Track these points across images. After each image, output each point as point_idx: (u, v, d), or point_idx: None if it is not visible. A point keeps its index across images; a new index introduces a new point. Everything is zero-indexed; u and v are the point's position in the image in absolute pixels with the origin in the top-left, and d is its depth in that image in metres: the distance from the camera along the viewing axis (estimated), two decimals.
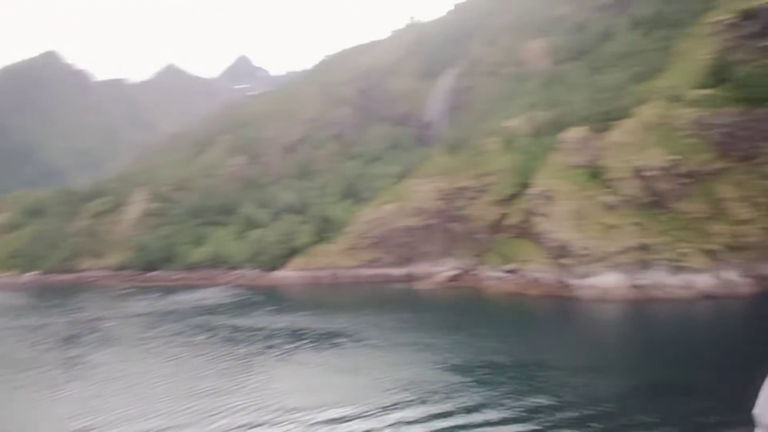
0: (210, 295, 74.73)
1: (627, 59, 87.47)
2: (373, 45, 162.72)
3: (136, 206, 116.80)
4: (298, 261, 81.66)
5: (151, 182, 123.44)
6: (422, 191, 79.95)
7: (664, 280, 52.68)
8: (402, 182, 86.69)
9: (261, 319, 57.92)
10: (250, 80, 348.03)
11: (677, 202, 58.46)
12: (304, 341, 47.28)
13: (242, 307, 66.46)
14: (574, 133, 71.44)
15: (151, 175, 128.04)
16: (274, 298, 72.73)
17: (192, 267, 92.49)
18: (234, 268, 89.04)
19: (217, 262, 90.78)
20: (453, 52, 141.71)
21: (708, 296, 50.69)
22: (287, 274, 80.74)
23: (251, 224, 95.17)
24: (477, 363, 37.10)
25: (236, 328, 54.15)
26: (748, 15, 72.12)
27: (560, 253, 59.84)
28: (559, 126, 78.49)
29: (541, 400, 29.39)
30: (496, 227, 71.41)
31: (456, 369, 35.93)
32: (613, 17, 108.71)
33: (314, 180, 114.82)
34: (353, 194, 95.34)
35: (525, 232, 67.19)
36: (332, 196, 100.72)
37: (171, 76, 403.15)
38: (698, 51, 73.96)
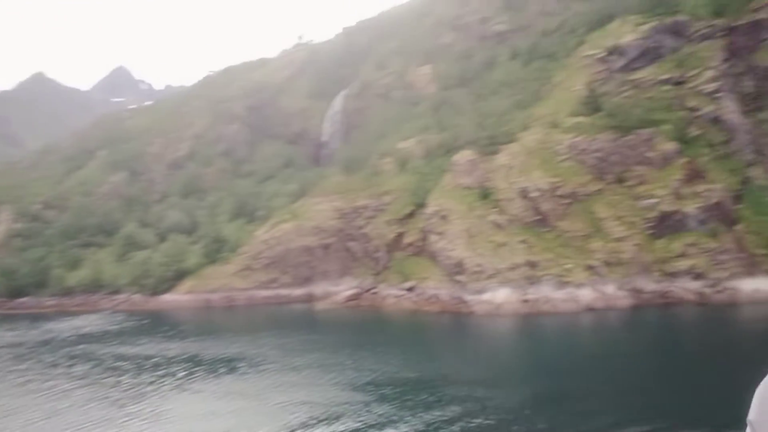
0: (89, 323, 69.20)
1: (508, 87, 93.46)
2: (262, 63, 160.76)
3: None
4: (188, 283, 77.94)
5: (17, 200, 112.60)
6: (320, 210, 79.80)
7: (550, 295, 56.33)
8: (299, 201, 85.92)
9: (150, 347, 54.53)
10: (130, 93, 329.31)
11: (560, 221, 62.96)
12: (200, 368, 45.17)
13: (127, 334, 62.16)
14: (463, 156, 74.90)
15: (16, 192, 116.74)
16: (163, 324, 68.77)
17: (68, 292, 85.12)
18: (116, 292, 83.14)
19: (96, 287, 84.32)
20: (344, 73, 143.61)
21: (590, 309, 54.91)
22: (176, 298, 76.72)
23: (134, 245, 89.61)
24: (382, 380, 37.40)
25: (122, 357, 50.55)
26: (615, 51, 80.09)
27: (455, 270, 62.18)
28: (449, 149, 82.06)
29: (448, 414, 30.18)
30: (395, 246, 72.84)
31: (361, 388, 36.01)
32: (494, 47, 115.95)
33: (203, 198, 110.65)
34: (247, 213, 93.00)
35: (422, 250, 69.17)
36: (224, 215, 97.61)
37: (38, 85, 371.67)
38: (573, 82, 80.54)
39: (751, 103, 69.62)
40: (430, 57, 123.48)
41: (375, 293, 69.59)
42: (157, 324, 68.74)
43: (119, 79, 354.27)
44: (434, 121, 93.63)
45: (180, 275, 78.83)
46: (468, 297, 59.05)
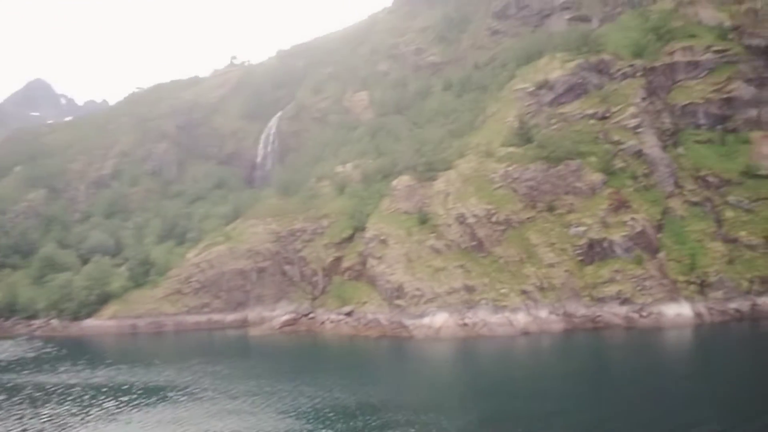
0: (3, 350, 64.22)
1: (443, 116, 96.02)
2: (193, 81, 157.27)
3: None
4: (112, 308, 73.85)
5: None
6: (255, 233, 78.18)
7: (487, 319, 57.50)
8: (232, 223, 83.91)
9: (72, 375, 51.23)
10: (49, 107, 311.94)
11: (495, 247, 64.66)
12: (130, 397, 42.88)
13: (47, 361, 58.03)
14: (402, 181, 75.91)
15: None
16: (86, 351, 64.79)
17: None
18: (33, 317, 77.64)
19: (10, 311, 78.49)
20: (279, 95, 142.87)
21: (525, 332, 56.39)
22: (100, 323, 72.46)
23: (53, 267, 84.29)
24: (322, 407, 36.82)
25: (41, 387, 47.20)
26: (544, 85, 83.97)
27: (395, 294, 62.41)
28: (387, 174, 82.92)
29: None
30: (333, 270, 72.33)
31: (301, 415, 35.35)
32: (428, 77, 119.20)
33: (129, 219, 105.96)
34: (176, 235, 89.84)
35: (361, 275, 69.04)
36: (151, 236, 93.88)
37: None
38: (505, 113, 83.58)
39: (668, 139, 74.77)
40: (366, 84, 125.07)
41: (312, 318, 68.58)
42: (80, 351, 64.56)
43: (37, 92, 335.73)
44: (372, 146, 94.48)
45: (104, 299, 74.68)
46: (407, 321, 59.27)
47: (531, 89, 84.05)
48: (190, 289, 74.34)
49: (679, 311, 56.59)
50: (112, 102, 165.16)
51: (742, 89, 76.30)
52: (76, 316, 73.76)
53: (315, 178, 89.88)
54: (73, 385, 47.18)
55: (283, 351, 59.20)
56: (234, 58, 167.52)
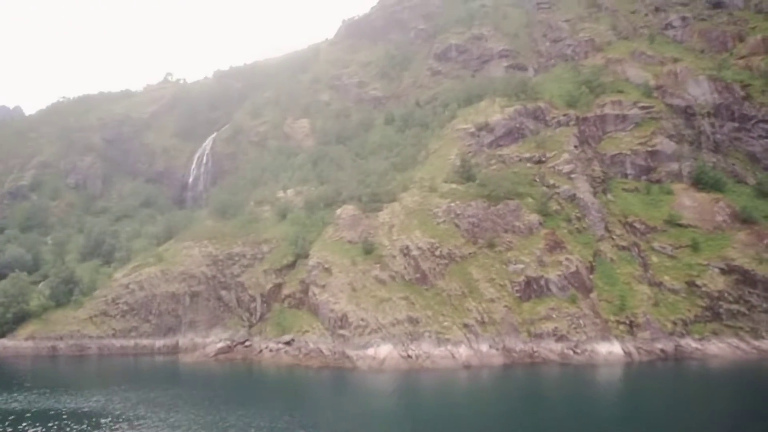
0: None
1: (386, 150, 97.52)
2: (124, 95, 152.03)
3: None
4: (30, 328, 68.51)
5: None
6: (190, 255, 75.41)
7: (431, 351, 58.00)
8: (165, 244, 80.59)
9: None
10: None
11: (438, 280, 65.73)
12: (58, 423, 39.84)
13: None
14: (346, 211, 76.06)
15: None
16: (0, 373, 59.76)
17: None
18: None
19: None
20: (214, 116, 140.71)
21: (467, 366, 57.17)
22: (15, 344, 66.87)
23: None
24: None
25: None
26: (484, 127, 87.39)
27: (338, 324, 61.80)
28: (329, 202, 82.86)
29: None
30: (272, 296, 70.73)
31: None
32: (370, 111, 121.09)
33: (49, 234, 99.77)
34: (103, 254, 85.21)
35: (302, 303, 67.94)
36: (73, 253, 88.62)
37: None
38: (447, 151, 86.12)
39: (598, 186, 79.32)
40: (307, 112, 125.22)
41: (249, 346, 66.47)
42: None
43: None
44: (314, 174, 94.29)
45: (20, 318, 69.27)
46: (351, 352, 58.69)
47: (472, 130, 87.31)
48: (117, 311, 70.38)
49: (611, 349, 59.40)
50: (27, 109, 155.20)
51: (664, 144, 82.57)
52: None
53: (254, 202, 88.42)
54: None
55: (221, 379, 56.81)
56: (169, 74, 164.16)
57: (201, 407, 44.35)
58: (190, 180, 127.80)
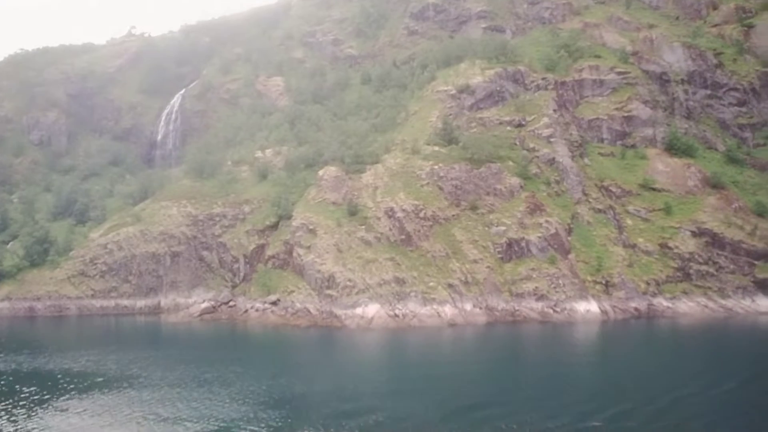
0: None
1: (365, 110, 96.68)
2: (87, 48, 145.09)
3: None
4: (5, 288, 66.90)
5: None
6: (169, 215, 74.25)
7: (417, 310, 59.32)
8: (141, 204, 79.00)
9: None
10: None
11: (423, 242, 66.67)
12: (54, 383, 39.62)
13: None
14: (329, 172, 75.74)
15: None
16: None
17: None
18: None
19: None
20: (182, 72, 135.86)
21: (452, 324, 58.79)
22: None
23: None
24: (269, 393, 36.33)
25: None
26: (465, 89, 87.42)
27: (325, 284, 62.36)
28: (310, 163, 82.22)
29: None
30: (255, 257, 70.62)
31: (250, 401, 34.61)
32: (346, 70, 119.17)
33: (13, 192, 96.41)
34: (76, 213, 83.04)
35: (286, 263, 68.07)
36: (43, 212, 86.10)
37: None
38: (427, 113, 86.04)
39: (576, 150, 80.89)
40: (281, 69, 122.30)
41: (233, 306, 66.65)
42: None
43: None
44: (292, 134, 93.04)
45: None
46: (339, 311, 59.53)
47: (453, 92, 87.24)
48: (96, 272, 69.24)
49: (588, 308, 61.86)
50: None
51: (639, 109, 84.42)
52: None
53: (231, 162, 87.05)
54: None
55: (210, 339, 57.08)
56: (133, 28, 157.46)
57: (196, 366, 44.53)
58: (159, 138, 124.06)
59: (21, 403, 35.20)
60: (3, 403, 34.83)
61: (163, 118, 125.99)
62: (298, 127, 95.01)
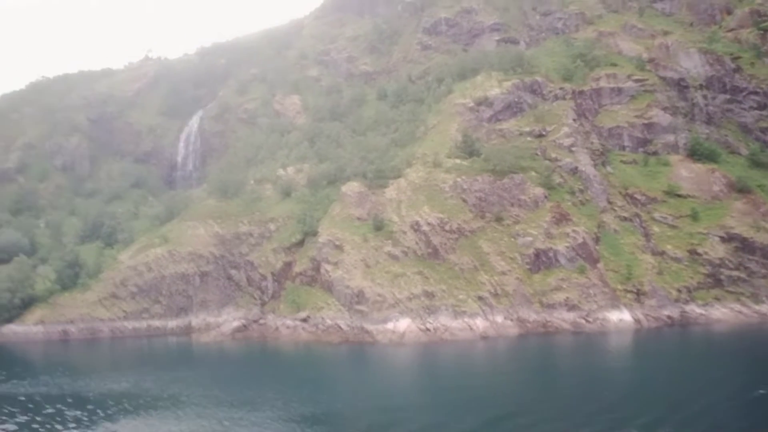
0: None
1: (383, 126, 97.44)
2: (106, 73, 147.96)
3: None
4: (38, 312, 67.68)
5: None
6: (196, 235, 74.94)
7: (448, 324, 59.30)
8: (167, 225, 79.82)
9: (14, 386, 46.45)
10: None
11: (449, 255, 66.78)
12: (90, 406, 40.01)
13: None
14: (352, 188, 76.24)
15: None
16: (16, 359, 59.20)
17: None
18: None
19: None
20: (199, 93, 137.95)
21: (484, 336, 58.68)
22: (24, 329, 66.08)
23: None
24: (325, 412, 36.56)
25: None
26: (483, 102, 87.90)
27: (355, 300, 62.56)
28: (332, 179, 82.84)
29: None
30: (283, 274, 71.01)
31: (302, 422, 34.88)
32: (362, 86, 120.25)
33: (40, 217, 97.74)
34: (103, 236, 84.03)
35: (314, 280, 68.38)
36: (70, 236, 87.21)
37: None
38: (446, 126, 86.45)
39: (597, 158, 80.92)
40: (296, 88, 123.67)
41: (263, 324, 66.94)
42: (8, 359, 58.78)
43: None
44: (312, 152, 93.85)
45: (27, 303, 68.38)
46: (370, 327, 59.65)
47: (471, 104, 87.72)
48: (126, 294, 69.94)
49: (621, 317, 61.50)
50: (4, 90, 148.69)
51: (660, 116, 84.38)
52: None
53: (254, 181, 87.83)
54: (28, 396, 43.00)
55: (245, 357, 57.43)
56: (149, 51, 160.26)
57: (235, 384, 44.97)
58: (179, 159, 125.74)
59: (71, 425, 35.64)
60: (55, 427, 35.31)
61: (183, 139, 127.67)
62: (317, 145, 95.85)
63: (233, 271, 72.73)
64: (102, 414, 37.90)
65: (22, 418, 36.99)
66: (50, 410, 39.26)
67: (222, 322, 67.84)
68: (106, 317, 68.20)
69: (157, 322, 68.87)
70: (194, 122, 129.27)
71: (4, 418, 36.87)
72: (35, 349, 62.66)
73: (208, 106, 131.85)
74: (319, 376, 49.58)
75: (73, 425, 35.64)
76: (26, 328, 66.33)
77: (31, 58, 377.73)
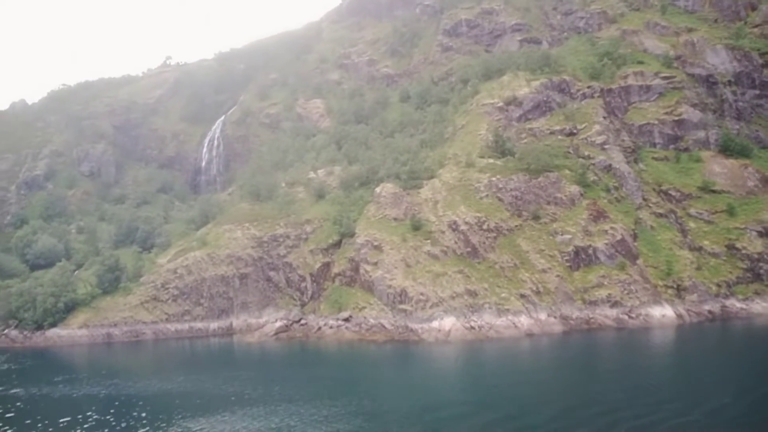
0: None
1: (409, 127, 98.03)
2: (126, 80, 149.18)
3: None
4: (82, 316, 68.38)
5: None
6: (234, 238, 75.55)
7: (493, 322, 59.60)
8: (203, 228, 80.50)
9: (76, 387, 46.80)
10: None
11: (489, 253, 67.16)
12: (165, 406, 40.56)
13: (26, 374, 52.87)
14: (386, 189, 76.75)
15: None
16: (69, 362, 60.03)
17: None
18: None
19: None
20: (220, 99, 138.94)
21: (529, 334, 58.93)
22: (69, 333, 66.72)
23: (1, 274, 76.99)
24: (413, 409, 36.82)
25: (58, 400, 43.11)
26: (513, 101, 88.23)
27: (398, 299, 62.98)
28: (364, 181, 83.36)
29: None
30: (322, 275, 71.54)
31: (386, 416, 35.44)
32: (384, 89, 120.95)
33: (70, 222, 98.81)
34: (137, 240, 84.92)
35: (353, 280, 68.83)
36: (104, 241, 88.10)
37: None
38: (476, 126, 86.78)
39: (629, 156, 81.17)
40: (318, 92, 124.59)
41: (304, 324, 67.41)
42: (64, 362, 59.62)
43: None
44: (341, 154, 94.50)
45: (70, 307, 69.12)
46: (415, 325, 60.04)
47: (500, 104, 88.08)
48: (168, 296, 70.58)
49: (664, 313, 61.68)
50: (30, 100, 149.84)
51: (690, 113, 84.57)
52: (40, 326, 67.66)
53: (285, 184, 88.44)
54: (95, 397, 43.44)
55: (292, 357, 57.96)
56: (168, 58, 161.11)
57: (292, 383, 45.46)
58: (203, 164, 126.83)
59: (145, 426, 36.07)
60: (132, 428, 35.75)
61: (206, 144, 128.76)
62: (345, 147, 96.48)
63: (272, 273, 73.30)
64: (173, 413, 38.32)
65: (101, 417, 37.58)
66: (124, 409, 39.77)
67: (263, 323, 68.39)
68: (149, 320, 68.84)
69: (199, 324, 69.44)
70: (217, 127, 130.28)
71: (79, 417, 37.45)
72: (81, 353, 63.32)
73: (229, 111, 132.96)
74: (374, 373, 50.12)
75: (148, 427, 35.97)
76: (71, 332, 67.02)
77: (42, 64, 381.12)
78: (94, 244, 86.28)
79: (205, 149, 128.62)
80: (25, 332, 67.79)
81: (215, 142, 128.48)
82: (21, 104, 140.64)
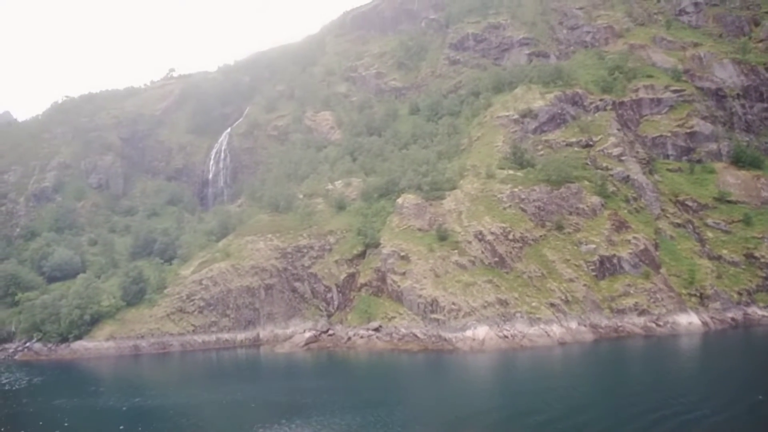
0: None
1: (422, 139, 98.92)
2: (131, 92, 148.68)
3: None
4: (108, 328, 67.77)
5: None
6: (257, 249, 75.56)
7: (525, 330, 60.22)
8: (224, 240, 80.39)
9: (119, 400, 46.44)
10: None
11: (516, 263, 67.94)
12: (227, 416, 40.62)
13: (60, 388, 52.26)
14: (408, 200, 77.40)
15: None
16: (99, 375, 59.47)
17: None
18: (5, 340, 69.70)
19: None
20: (227, 111, 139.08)
21: (562, 342, 59.59)
22: (95, 345, 66.05)
23: (19, 285, 76.22)
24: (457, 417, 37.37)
25: (111, 412, 42.79)
26: (528, 114, 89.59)
27: (429, 309, 63.40)
28: (384, 192, 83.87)
29: None
30: (348, 286, 71.78)
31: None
32: (392, 101, 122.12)
33: (80, 234, 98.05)
34: (155, 252, 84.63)
35: (380, 290, 69.14)
36: (121, 254, 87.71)
37: None
38: (492, 138, 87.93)
39: (645, 167, 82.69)
40: (327, 104, 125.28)
41: (332, 335, 67.50)
42: (90, 375, 59.03)
43: None
44: (356, 166, 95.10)
45: (95, 319, 68.55)
46: (449, 335, 60.45)
47: (515, 117, 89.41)
48: (194, 308, 70.32)
49: (690, 320, 62.82)
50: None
51: (701, 125, 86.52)
52: (65, 338, 67.02)
53: (303, 195, 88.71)
54: (139, 408, 43.19)
55: (330, 367, 57.91)
56: (172, 70, 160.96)
57: (344, 392, 45.84)
58: (210, 176, 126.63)
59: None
60: None
61: (213, 156, 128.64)
62: (360, 159, 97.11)
63: (297, 284, 73.39)
64: (241, 422, 38.33)
65: (160, 426, 37.54)
66: (182, 422, 39.67)
67: (291, 334, 68.36)
68: (176, 331, 68.48)
69: (226, 335, 69.21)
70: (223, 139, 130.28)
71: (140, 428, 37.33)
72: (109, 365, 62.73)
73: (236, 123, 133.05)
74: (417, 383, 50.34)
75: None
76: (97, 344, 66.39)
77: (38, 75, 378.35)
78: (111, 256, 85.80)
79: (212, 161, 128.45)
80: (49, 345, 67.05)
81: (222, 154, 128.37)
82: (6, 116, 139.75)
